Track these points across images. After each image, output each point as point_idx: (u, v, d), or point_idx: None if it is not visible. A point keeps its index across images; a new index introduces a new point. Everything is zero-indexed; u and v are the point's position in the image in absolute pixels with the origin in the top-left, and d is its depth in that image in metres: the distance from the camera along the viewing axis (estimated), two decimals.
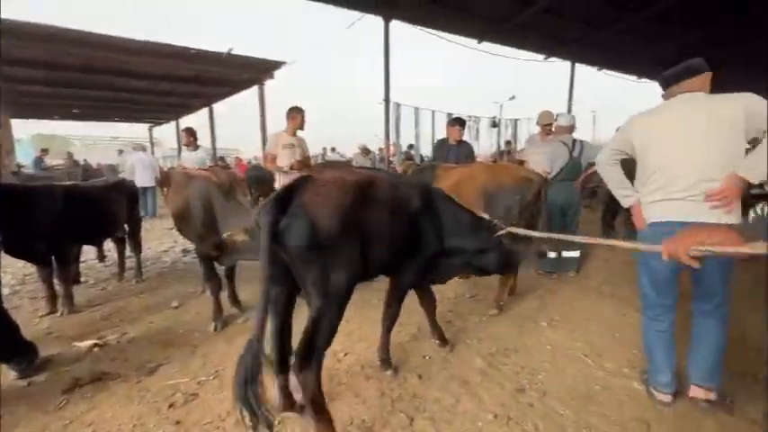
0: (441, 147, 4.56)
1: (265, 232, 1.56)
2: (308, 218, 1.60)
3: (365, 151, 11.31)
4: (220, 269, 3.13)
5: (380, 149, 10.41)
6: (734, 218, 1.79)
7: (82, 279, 4.19)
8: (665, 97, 2.01)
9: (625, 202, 2.09)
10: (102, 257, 5.04)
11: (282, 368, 1.89)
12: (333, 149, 15.99)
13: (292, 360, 1.70)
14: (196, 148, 5.80)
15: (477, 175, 3.28)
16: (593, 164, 3.63)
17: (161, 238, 6.65)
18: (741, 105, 1.73)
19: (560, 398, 2.07)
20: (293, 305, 1.93)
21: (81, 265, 4.36)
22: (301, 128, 4.17)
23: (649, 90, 12.08)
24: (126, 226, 4.21)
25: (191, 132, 5.76)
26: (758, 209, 6.46)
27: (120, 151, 12.76)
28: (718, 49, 8.98)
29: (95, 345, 2.72)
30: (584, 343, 2.67)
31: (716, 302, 1.92)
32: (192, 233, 3.02)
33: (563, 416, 1.93)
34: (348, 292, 1.71)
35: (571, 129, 3.90)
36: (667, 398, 2.01)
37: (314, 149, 17.52)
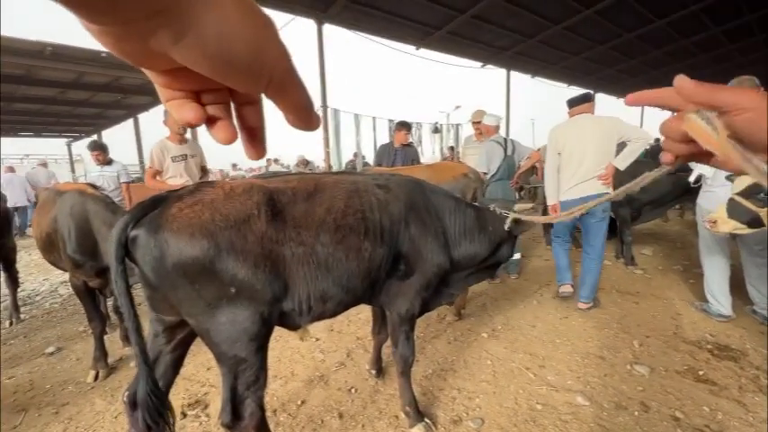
0: (386, 151, 4.42)
1: (111, 249, 1.21)
2: (161, 234, 1.21)
3: (304, 163, 10.84)
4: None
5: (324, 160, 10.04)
6: (610, 189, 2.88)
7: None
8: (570, 114, 3.08)
9: (551, 200, 3.12)
10: None
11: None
12: (275, 160, 15.32)
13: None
14: (108, 163, 4.94)
15: (417, 174, 3.11)
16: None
17: None
18: (613, 125, 2.89)
19: (500, 425, 1.81)
20: (182, 342, 1.49)
21: None
22: (183, 131, 3.44)
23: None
24: None
25: (99, 148, 4.87)
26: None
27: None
28: (633, 58, 9.84)
29: None
30: (525, 354, 2.45)
31: (595, 250, 3.03)
32: (64, 260, 2.43)
33: None
34: (257, 331, 1.28)
35: (498, 128, 3.85)
36: (569, 290, 3.20)
37: (258, 162, 16.79)
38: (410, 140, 4.47)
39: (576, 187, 2.91)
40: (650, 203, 4.22)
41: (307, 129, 0.34)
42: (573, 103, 3.06)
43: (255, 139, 0.36)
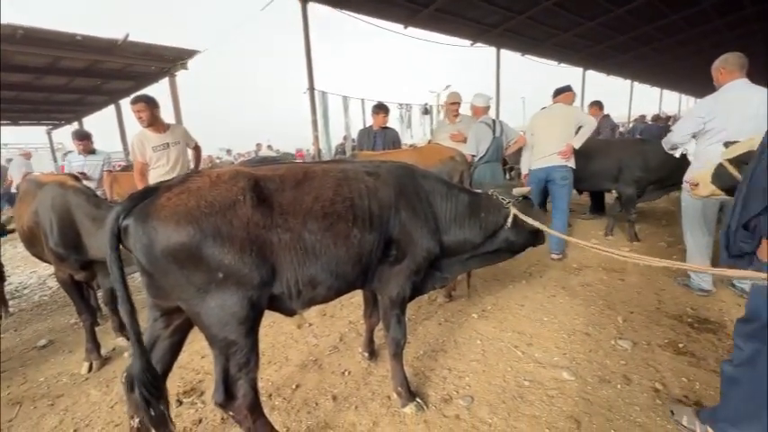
0: (366, 134, 4.53)
1: (106, 237, 1.25)
2: (149, 222, 1.24)
3: None
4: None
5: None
6: (571, 163, 3.77)
7: None
8: (554, 101, 3.93)
9: (524, 170, 4.02)
10: None
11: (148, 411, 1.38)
12: (269, 146, 15.11)
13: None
14: (92, 152, 4.72)
15: (403, 158, 3.09)
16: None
17: None
18: (575, 113, 3.79)
19: (489, 402, 1.87)
20: (179, 327, 1.51)
21: None
22: (153, 120, 3.16)
23: (569, 72, 12.82)
24: None
25: (86, 137, 4.62)
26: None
27: None
28: (623, 34, 9.75)
29: None
30: (513, 332, 2.52)
31: (561, 210, 3.83)
32: (47, 254, 2.40)
33: (491, 426, 1.72)
34: (246, 314, 1.32)
35: (487, 108, 3.85)
36: (558, 256, 3.84)
37: (248, 147, 16.58)
38: (387, 122, 4.51)
39: (543, 159, 3.77)
40: (654, 183, 4.30)
41: None
42: (556, 93, 3.94)
43: None
